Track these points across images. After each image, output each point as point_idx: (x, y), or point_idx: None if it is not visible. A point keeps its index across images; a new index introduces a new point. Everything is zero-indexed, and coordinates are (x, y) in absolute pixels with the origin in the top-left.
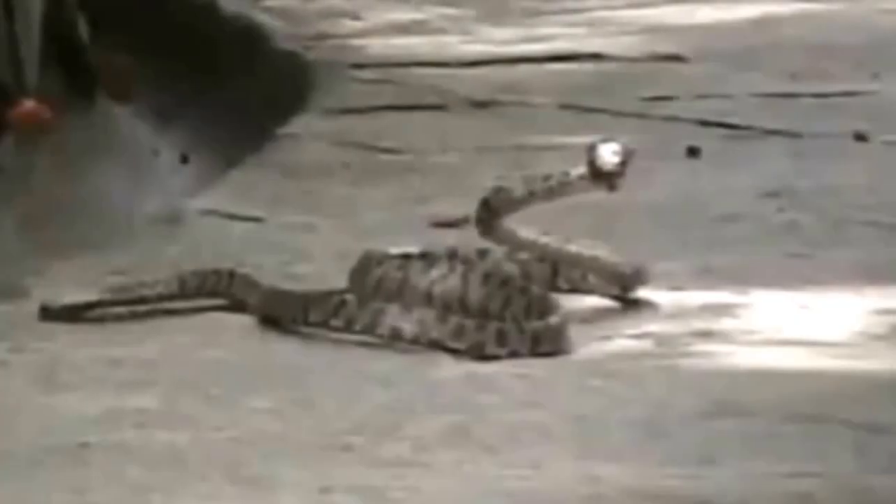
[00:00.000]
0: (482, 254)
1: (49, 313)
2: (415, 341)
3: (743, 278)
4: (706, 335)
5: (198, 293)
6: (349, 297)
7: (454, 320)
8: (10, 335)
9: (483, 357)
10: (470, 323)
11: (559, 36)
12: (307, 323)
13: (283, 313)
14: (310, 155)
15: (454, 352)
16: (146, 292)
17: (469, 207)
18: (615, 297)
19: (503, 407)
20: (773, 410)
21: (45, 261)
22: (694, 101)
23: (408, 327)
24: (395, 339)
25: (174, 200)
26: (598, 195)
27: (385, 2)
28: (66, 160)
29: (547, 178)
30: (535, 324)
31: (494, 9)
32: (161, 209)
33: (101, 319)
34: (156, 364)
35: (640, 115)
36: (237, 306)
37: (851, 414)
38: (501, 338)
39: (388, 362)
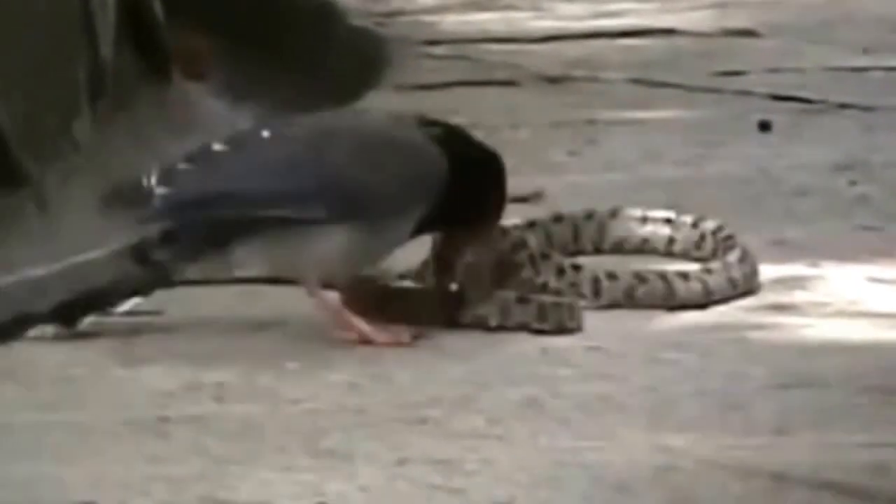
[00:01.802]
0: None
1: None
2: (500, 327)
3: (814, 251)
4: (778, 308)
5: None
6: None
7: (535, 302)
8: None
9: (562, 331)
10: (549, 301)
11: (630, 11)
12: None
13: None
14: None
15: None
16: None
17: (542, 182)
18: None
19: (576, 379)
20: (846, 382)
21: (122, 237)
22: (765, 76)
23: (492, 314)
24: (479, 326)
25: None
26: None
27: None
28: (142, 137)
29: None
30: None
31: None
32: None
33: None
34: (234, 338)
35: (712, 90)
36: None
37: None
38: (575, 315)
39: (462, 337)
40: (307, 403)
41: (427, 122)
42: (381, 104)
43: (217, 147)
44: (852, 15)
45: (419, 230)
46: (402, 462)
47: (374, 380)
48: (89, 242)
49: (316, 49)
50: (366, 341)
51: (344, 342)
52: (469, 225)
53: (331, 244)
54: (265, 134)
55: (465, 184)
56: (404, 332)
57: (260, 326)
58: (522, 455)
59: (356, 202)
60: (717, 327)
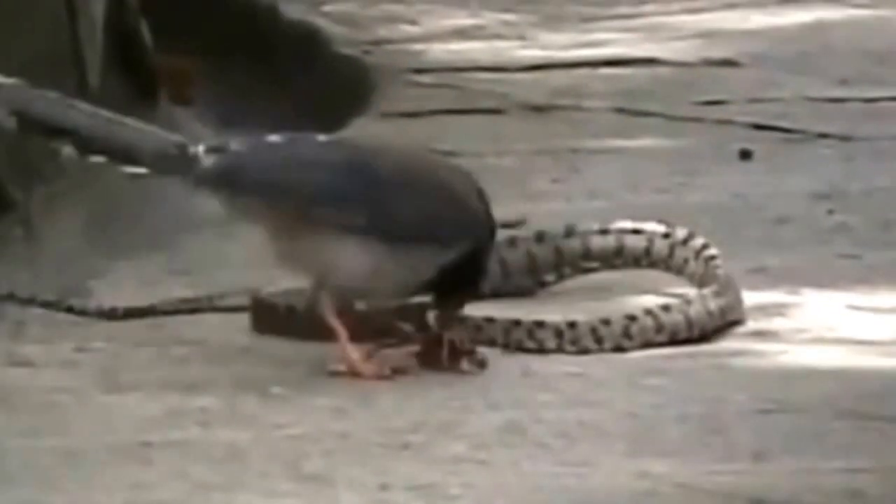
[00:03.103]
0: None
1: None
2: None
3: (794, 279)
4: (758, 334)
5: None
6: None
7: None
8: (75, 334)
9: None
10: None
11: (615, 41)
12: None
13: None
14: None
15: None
16: None
17: (525, 209)
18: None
19: (558, 405)
20: (825, 408)
21: (108, 262)
22: (746, 105)
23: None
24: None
25: None
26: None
27: (443, 7)
28: None
29: None
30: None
31: (551, 14)
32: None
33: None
34: (217, 363)
35: (694, 119)
36: None
37: None
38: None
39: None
40: (291, 429)
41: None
42: (367, 132)
43: (272, 138)
44: (831, 46)
45: (438, 286)
46: (384, 487)
47: (358, 405)
48: (76, 267)
49: (302, 76)
50: (353, 373)
51: (333, 372)
52: (467, 288)
53: (360, 256)
54: (320, 138)
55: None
56: (387, 367)
57: (244, 352)
58: (504, 480)
59: (395, 216)
60: (697, 353)
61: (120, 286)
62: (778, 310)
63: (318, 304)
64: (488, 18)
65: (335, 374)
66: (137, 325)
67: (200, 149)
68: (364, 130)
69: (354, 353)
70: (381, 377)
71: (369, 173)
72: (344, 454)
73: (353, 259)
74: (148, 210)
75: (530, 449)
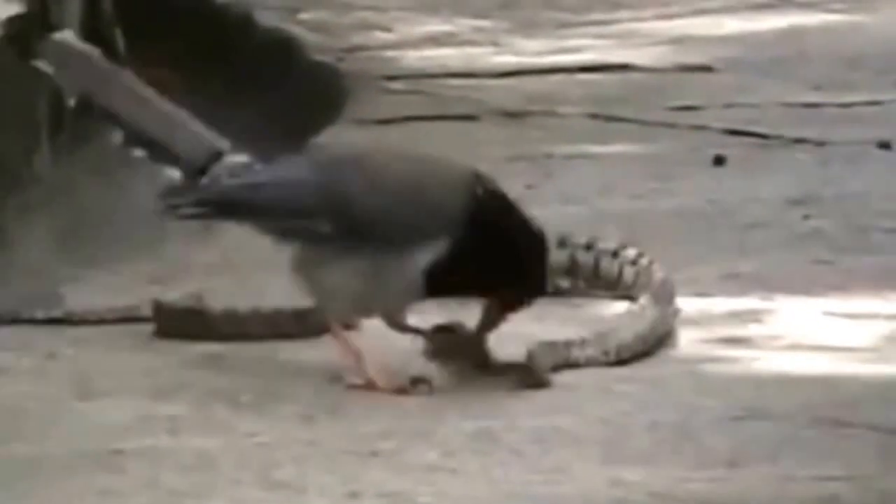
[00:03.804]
0: None
1: None
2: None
3: (769, 284)
4: (732, 340)
5: None
6: None
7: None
8: (46, 342)
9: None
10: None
11: (588, 47)
12: None
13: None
14: None
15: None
16: None
17: None
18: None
19: (531, 412)
20: (799, 415)
21: (81, 270)
22: (720, 111)
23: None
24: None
25: None
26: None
27: (417, 14)
28: (102, 170)
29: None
30: None
31: (524, 21)
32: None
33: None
34: (187, 370)
35: (668, 125)
36: None
37: (876, 418)
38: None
39: (417, 369)
40: (260, 436)
41: (482, 181)
42: (342, 138)
43: (256, 161)
44: (805, 51)
45: (447, 287)
46: (353, 495)
47: (328, 412)
48: (49, 276)
49: (277, 83)
50: (371, 387)
51: (352, 386)
52: (507, 292)
53: (342, 271)
54: (302, 154)
55: (500, 250)
56: (405, 380)
57: (214, 359)
58: (476, 488)
59: (360, 220)
60: (670, 360)
61: (93, 294)
62: (752, 316)
63: (332, 327)
64: (462, 25)
65: (353, 387)
66: (109, 332)
67: (225, 165)
68: (338, 137)
69: (371, 367)
70: (399, 391)
71: (339, 185)
72: (314, 461)
73: (331, 274)
74: (122, 218)
75: (503, 456)
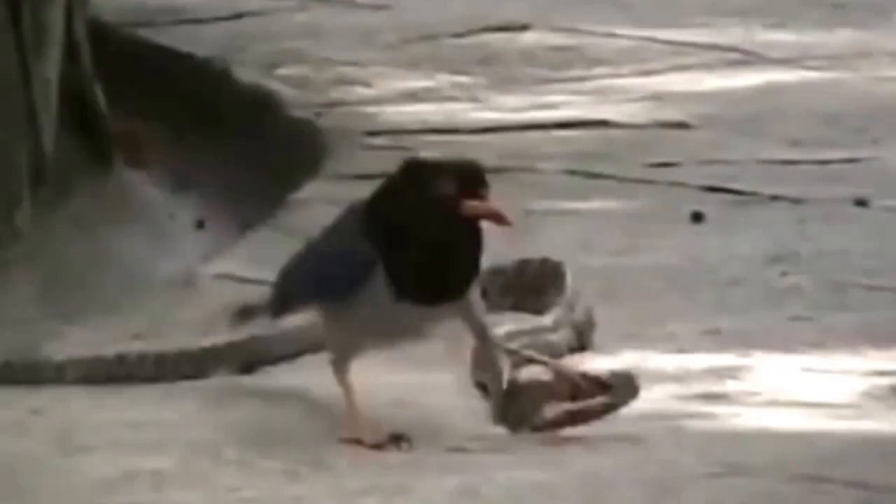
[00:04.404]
0: None
1: None
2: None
3: (747, 341)
4: (711, 397)
5: None
6: None
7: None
8: (30, 397)
9: None
10: None
11: (567, 103)
12: None
13: None
14: (322, 219)
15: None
16: None
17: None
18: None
19: (512, 467)
20: (777, 471)
21: (62, 325)
22: (698, 167)
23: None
24: None
25: (189, 265)
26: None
27: (396, 69)
28: (83, 225)
29: None
30: None
31: (504, 77)
32: (177, 273)
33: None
34: (171, 426)
35: (646, 181)
36: None
37: (853, 475)
38: None
39: (399, 423)
40: (244, 491)
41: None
42: (320, 194)
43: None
44: (783, 108)
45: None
46: None
47: (312, 468)
48: (30, 330)
49: (257, 139)
50: (356, 441)
51: (343, 441)
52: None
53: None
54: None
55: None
56: (390, 443)
57: (197, 414)
58: None
59: (285, 295)
60: (650, 416)
61: (73, 349)
62: (730, 372)
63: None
64: (441, 81)
65: (344, 441)
66: (93, 389)
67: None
68: (317, 193)
69: (360, 419)
70: (380, 446)
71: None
72: None
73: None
74: (102, 274)
75: None
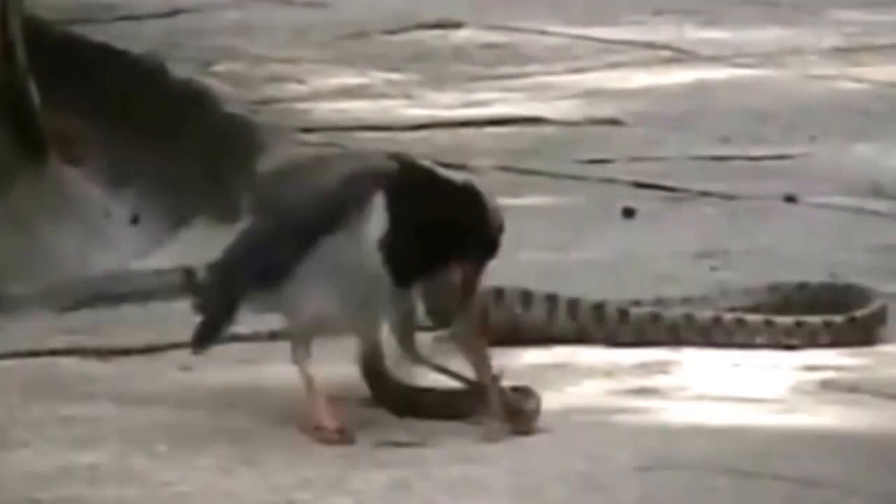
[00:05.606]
0: None
1: None
2: None
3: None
4: (640, 391)
5: None
6: None
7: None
8: None
9: None
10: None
11: (499, 100)
12: None
13: None
14: None
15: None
16: None
17: None
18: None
19: (442, 461)
20: (707, 465)
21: None
22: (629, 164)
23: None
24: None
25: (124, 260)
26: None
27: (330, 66)
28: (18, 220)
29: None
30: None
31: (436, 74)
32: (112, 269)
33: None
34: (106, 419)
35: (578, 177)
36: None
37: (782, 468)
38: None
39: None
40: (178, 486)
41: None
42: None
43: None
44: (713, 105)
45: (415, 271)
46: None
47: (245, 463)
48: None
49: (192, 135)
50: (318, 428)
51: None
52: (466, 259)
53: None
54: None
55: (439, 218)
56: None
57: (131, 409)
58: None
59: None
60: (579, 410)
61: (9, 344)
62: (660, 367)
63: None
64: (375, 78)
65: (302, 429)
66: (27, 383)
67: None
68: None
69: (322, 406)
70: (342, 431)
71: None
72: None
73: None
74: (37, 269)
75: None
